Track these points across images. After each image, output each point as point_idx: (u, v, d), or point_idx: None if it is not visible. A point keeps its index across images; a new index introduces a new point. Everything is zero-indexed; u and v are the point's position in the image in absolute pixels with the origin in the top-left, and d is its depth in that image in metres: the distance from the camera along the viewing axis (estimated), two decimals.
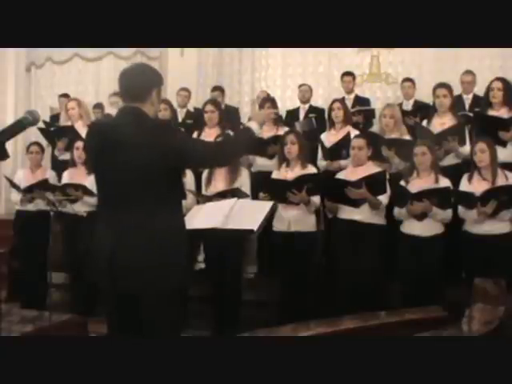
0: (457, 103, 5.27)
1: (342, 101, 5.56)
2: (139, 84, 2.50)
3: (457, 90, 5.57)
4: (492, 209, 4.11)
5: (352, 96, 6.50)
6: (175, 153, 2.39)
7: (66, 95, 6.99)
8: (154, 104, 2.53)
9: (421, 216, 4.28)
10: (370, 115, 5.93)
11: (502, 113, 4.78)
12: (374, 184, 4.33)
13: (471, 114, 5.38)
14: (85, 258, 5.07)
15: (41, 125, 5.68)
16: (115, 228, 2.40)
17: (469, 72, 5.95)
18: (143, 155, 2.36)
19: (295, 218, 4.53)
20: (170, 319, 2.44)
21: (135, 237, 2.37)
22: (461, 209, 4.28)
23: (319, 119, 6.11)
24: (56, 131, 6.06)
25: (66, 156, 5.69)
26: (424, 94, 6.12)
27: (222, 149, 2.66)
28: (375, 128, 5.36)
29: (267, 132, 5.25)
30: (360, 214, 4.40)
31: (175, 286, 2.43)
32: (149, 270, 2.35)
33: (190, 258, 2.54)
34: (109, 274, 2.39)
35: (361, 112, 5.93)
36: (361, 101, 6.46)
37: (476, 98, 5.72)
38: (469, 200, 4.18)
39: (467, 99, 5.84)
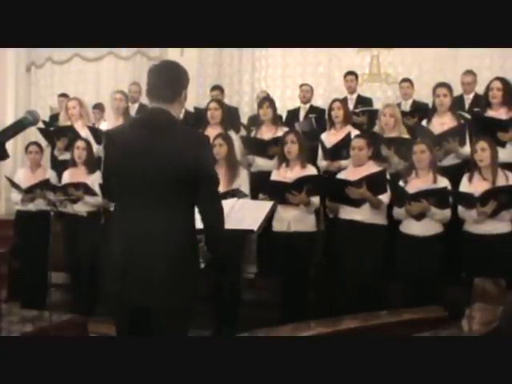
0: (458, 103, 5.24)
1: (343, 100, 5.55)
2: (171, 85, 2.39)
3: (456, 90, 5.55)
4: (491, 209, 4.11)
5: (354, 96, 6.48)
6: (197, 170, 2.29)
7: (65, 95, 6.99)
8: (182, 103, 2.45)
9: (419, 216, 4.28)
10: (373, 116, 5.91)
11: (501, 113, 4.77)
12: (374, 183, 4.32)
13: (468, 116, 5.32)
14: (85, 258, 5.12)
15: (40, 125, 5.67)
16: (129, 236, 2.31)
17: (469, 72, 5.87)
18: (166, 163, 2.26)
19: (295, 219, 4.53)
20: (181, 333, 2.37)
21: (149, 247, 2.28)
22: (460, 209, 4.29)
23: (319, 119, 6.11)
24: (55, 131, 6.05)
25: (66, 156, 5.68)
26: (424, 94, 6.11)
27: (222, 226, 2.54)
28: (375, 128, 5.35)
29: (266, 132, 5.26)
30: (361, 214, 4.39)
31: (187, 300, 2.38)
32: (162, 283, 2.27)
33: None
34: (120, 285, 2.30)
35: (365, 113, 5.92)
36: (363, 101, 6.44)
37: (477, 97, 5.66)
38: (468, 200, 4.18)
39: (468, 99, 5.79)
